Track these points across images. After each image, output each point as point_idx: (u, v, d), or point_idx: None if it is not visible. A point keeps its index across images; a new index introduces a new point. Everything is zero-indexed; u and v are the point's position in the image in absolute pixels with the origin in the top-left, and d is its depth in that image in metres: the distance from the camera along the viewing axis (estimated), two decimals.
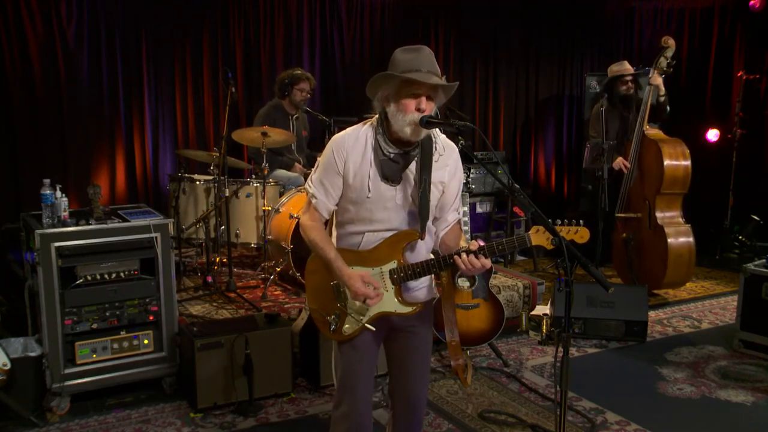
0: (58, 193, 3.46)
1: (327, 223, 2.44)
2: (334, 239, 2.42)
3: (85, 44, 5.56)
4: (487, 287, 4.04)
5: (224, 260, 5.27)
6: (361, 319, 2.34)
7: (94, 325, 3.48)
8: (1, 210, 5.23)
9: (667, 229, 5.23)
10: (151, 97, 5.91)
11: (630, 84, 5.64)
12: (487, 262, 2.23)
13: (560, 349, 2.17)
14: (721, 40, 7.45)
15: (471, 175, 6.39)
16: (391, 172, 2.28)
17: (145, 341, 3.61)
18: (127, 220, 3.57)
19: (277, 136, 5.04)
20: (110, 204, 5.52)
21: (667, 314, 5.18)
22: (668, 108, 5.48)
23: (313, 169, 2.42)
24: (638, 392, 3.82)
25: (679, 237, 5.25)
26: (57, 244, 3.34)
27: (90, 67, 5.61)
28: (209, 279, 4.95)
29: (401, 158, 2.29)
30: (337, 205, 2.38)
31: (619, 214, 5.48)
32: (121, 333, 3.56)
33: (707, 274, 6.31)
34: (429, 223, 2.35)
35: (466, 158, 6.44)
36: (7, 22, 5.24)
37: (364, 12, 6.73)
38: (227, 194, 4.94)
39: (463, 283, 3.97)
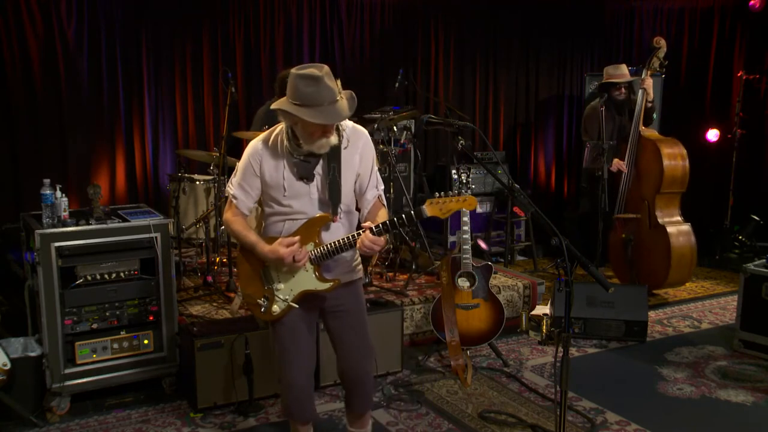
0: (58, 193, 3.46)
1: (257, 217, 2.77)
2: (261, 231, 2.70)
3: (85, 44, 5.56)
4: (487, 287, 4.04)
5: (224, 260, 5.27)
6: (287, 299, 2.60)
7: (94, 325, 3.49)
8: (1, 210, 5.22)
9: (669, 229, 5.22)
10: (151, 97, 5.90)
11: (623, 90, 5.63)
12: (379, 240, 2.45)
13: (560, 349, 2.18)
14: (721, 40, 7.44)
15: (471, 175, 6.38)
16: (305, 172, 2.53)
17: (145, 341, 3.61)
18: (127, 220, 3.58)
19: None
20: (110, 204, 5.51)
21: (667, 314, 5.18)
22: (654, 115, 5.51)
23: (233, 173, 2.69)
24: (638, 392, 3.82)
25: (681, 236, 5.25)
26: (57, 244, 3.35)
27: (90, 67, 5.60)
28: (209, 279, 4.94)
29: (312, 158, 2.52)
30: (257, 202, 2.67)
31: (618, 215, 5.48)
32: (121, 333, 3.57)
33: (707, 274, 6.31)
34: (343, 206, 2.59)
35: (467, 158, 6.46)
36: (7, 22, 5.23)
37: (364, 12, 6.73)
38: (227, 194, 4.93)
39: (463, 283, 3.97)
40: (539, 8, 7.43)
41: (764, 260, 4.36)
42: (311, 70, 2.37)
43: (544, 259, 6.59)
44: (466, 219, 4.05)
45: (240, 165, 2.63)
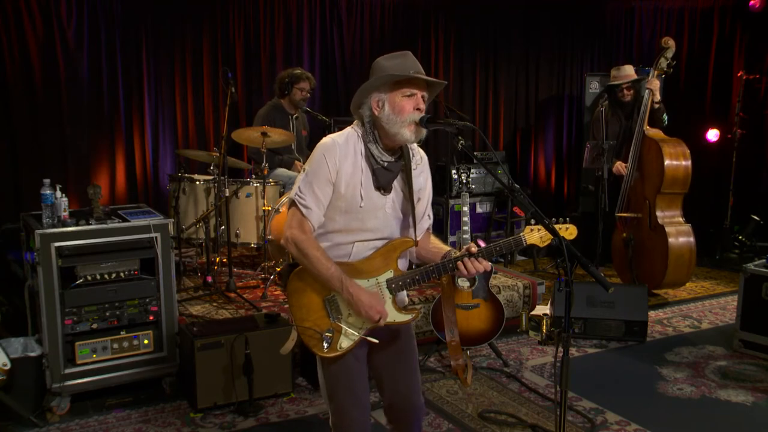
0: (58, 193, 3.46)
1: None
2: None
3: (85, 44, 5.56)
4: (487, 287, 4.04)
5: (224, 260, 5.27)
6: (359, 332, 2.28)
7: (94, 325, 3.49)
8: (1, 210, 5.22)
9: (668, 229, 5.22)
10: (151, 97, 5.91)
11: (626, 92, 5.61)
12: (488, 264, 2.26)
13: (560, 349, 2.18)
14: (721, 40, 7.45)
15: (471, 175, 6.40)
16: (385, 181, 2.26)
17: (145, 341, 3.61)
18: (127, 220, 3.57)
19: (276, 136, 5.03)
20: (110, 204, 5.51)
21: (667, 314, 5.18)
22: (665, 118, 5.44)
23: (299, 179, 2.27)
24: (638, 392, 3.82)
25: (680, 237, 5.24)
26: (57, 244, 3.34)
27: (90, 67, 5.60)
28: (209, 279, 4.94)
29: (395, 166, 2.28)
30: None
31: (620, 214, 5.47)
32: (121, 333, 3.56)
33: (707, 274, 6.31)
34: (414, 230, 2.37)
35: (467, 158, 6.46)
36: (7, 22, 5.23)
37: (364, 12, 6.73)
38: (227, 194, 4.94)
39: (463, 283, 3.97)
40: (539, 8, 7.43)
41: (764, 260, 4.36)
42: (394, 53, 2.26)
43: (544, 259, 6.59)
44: (466, 219, 4.05)
45: (312, 167, 2.22)
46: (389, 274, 2.29)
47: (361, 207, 2.23)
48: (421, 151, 2.43)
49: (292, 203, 2.25)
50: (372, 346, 2.35)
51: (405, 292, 2.46)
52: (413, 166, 2.34)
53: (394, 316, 2.30)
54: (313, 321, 2.28)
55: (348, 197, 2.22)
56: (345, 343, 2.28)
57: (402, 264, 2.35)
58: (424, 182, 2.41)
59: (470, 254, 2.24)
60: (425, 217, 2.43)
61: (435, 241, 2.47)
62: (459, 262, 2.25)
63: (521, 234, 2.31)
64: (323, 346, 2.27)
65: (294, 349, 3.74)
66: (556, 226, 2.27)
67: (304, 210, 2.21)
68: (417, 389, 2.46)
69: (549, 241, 2.29)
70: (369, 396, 2.42)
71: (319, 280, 2.24)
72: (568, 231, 2.30)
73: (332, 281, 2.20)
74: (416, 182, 2.35)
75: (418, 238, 2.40)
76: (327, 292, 2.27)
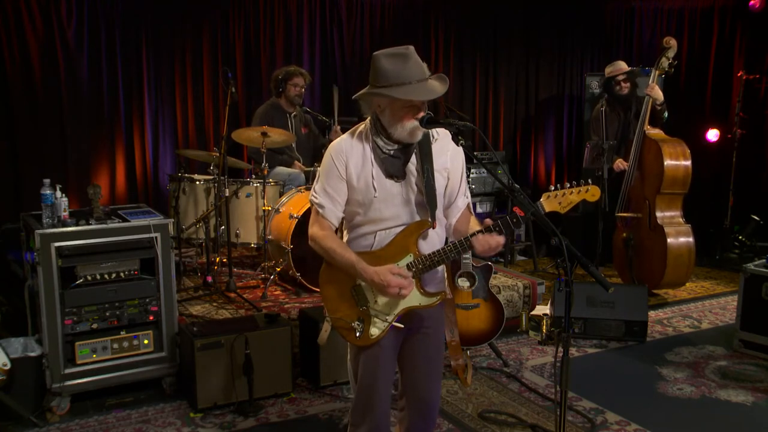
0: (58, 193, 3.46)
1: (336, 231, 2.42)
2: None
3: (85, 44, 5.57)
4: (487, 287, 4.04)
5: (224, 260, 5.27)
6: (387, 319, 2.32)
7: (94, 325, 3.48)
8: (1, 210, 5.23)
9: (666, 229, 5.22)
10: (151, 97, 5.91)
11: (623, 84, 5.61)
12: (501, 239, 2.26)
13: (560, 349, 2.17)
14: (721, 40, 7.45)
15: (471, 175, 6.40)
16: (394, 169, 2.29)
17: (145, 341, 3.61)
18: (127, 220, 3.57)
19: (276, 136, 5.04)
20: (110, 204, 5.52)
21: (667, 314, 5.18)
22: (666, 115, 5.44)
23: (314, 180, 2.40)
24: (638, 392, 3.82)
25: (679, 237, 5.24)
26: (57, 244, 3.34)
27: (90, 67, 5.61)
28: (209, 279, 4.95)
29: (402, 153, 2.30)
30: (343, 211, 2.37)
31: (620, 214, 5.47)
32: (121, 333, 3.56)
33: (707, 274, 6.31)
34: (438, 212, 2.35)
35: (466, 158, 6.45)
36: (7, 22, 5.24)
37: (364, 12, 6.74)
38: (227, 194, 4.94)
39: (463, 283, 3.97)
40: (539, 9, 7.44)
41: (764, 260, 4.36)
42: (396, 48, 2.20)
43: (544, 259, 6.59)
44: None
45: (323, 168, 2.35)
46: (409, 258, 2.31)
47: (375, 197, 2.28)
48: (444, 130, 2.37)
49: (311, 204, 2.38)
50: (404, 333, 2.39)
51: (440, 275, 2.47)
52: (433, 144, 2.34)
53: (418, 299, 2.32)
54: (343, 311, 2.35)
55: (362, 189, 2.29)
56: (375, 331, 2.32)
57: (425, 246, 2.34)
58: (451, 160, 2.39)
59: (485, 229, 2.24)
60: (460, 197, 2.44)
61: (473, 222, 2.45)
62: (474, 239, 2.24)
63: (538, 201, 2.20)
64: (356, 335, 2.34)
65: (294, 348, 3.76)
66: (576, 189, 2.21)
67: (319, 209, 2.34)
68: (435, 383, 2.50)
69: (570, 206, 2.19)
70: (390, 387, 2.45)
71: (342, 271, 2.31)
72: (590, 192, 2.21)
73: (349, 269, 2.28)
74: (438, 161, 2.34)
75: (454, 219, 2.45)
76: (353, 281, 2.33)
